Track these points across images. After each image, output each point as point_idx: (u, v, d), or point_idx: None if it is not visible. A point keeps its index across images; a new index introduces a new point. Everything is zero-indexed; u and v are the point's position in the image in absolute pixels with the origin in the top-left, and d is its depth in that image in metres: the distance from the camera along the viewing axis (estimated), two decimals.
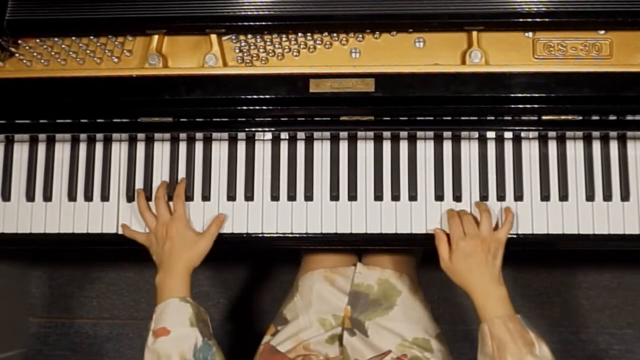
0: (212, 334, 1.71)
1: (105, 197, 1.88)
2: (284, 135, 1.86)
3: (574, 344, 2.67)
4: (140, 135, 1.88)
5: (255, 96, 1.75)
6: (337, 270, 1.97)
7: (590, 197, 1.80)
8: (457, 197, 1.81)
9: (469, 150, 1.84)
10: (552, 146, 1.83)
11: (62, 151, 1.91)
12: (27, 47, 1.81)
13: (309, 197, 1.84)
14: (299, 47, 1.78)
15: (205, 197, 1.86)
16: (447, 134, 1.83)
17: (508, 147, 1.83)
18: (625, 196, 1.80)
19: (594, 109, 1.74)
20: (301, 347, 1.81)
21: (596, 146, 1.83)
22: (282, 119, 1.80)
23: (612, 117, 1.76)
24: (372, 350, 1.79)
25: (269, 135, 1.86)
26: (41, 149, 1.91)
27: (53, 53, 1.81)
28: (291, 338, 1.85)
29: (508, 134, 1.82)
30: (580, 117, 1.75)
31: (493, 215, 1.78)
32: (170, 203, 1.83)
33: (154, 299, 1.72)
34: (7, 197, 1.90)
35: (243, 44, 1.79)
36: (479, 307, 1.65)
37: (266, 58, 1.78)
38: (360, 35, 1.77)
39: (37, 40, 1.82)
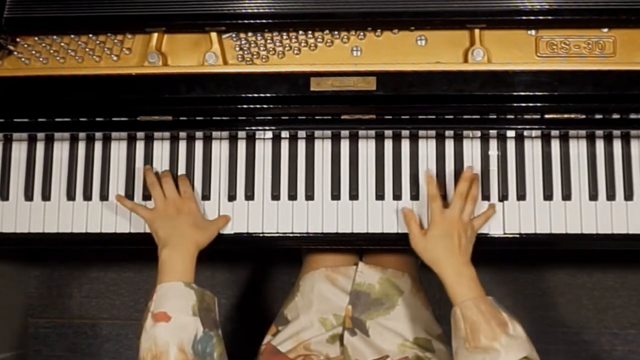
0: (217, 319, 1.69)
1: (104, 196, 1.88)
2: (284, 134, 1.86)
3: (577, 345, 2.67)
4: (140, 134, 1.88)
5: (255, 95, 1.75)
6: (339, 270, 1.97)
7: (593, 196, 1.80)
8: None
9: (472, 149, 1.84)
10: (555, 145, 1.83)
11: (60, 150, 1.91)
12: (25, 45, 1.81)
13: (310, 196, 1.84)
14: (299, 45, 1.78)
15: (205, 196, 1.86)
16: (449, 132, 1.83)
17: (511, 146, 1.83)
18: (628, 195, 1.80)
19: (597, 107, 1.74)
20: (302, 347, 1.81)
21: (599, 145, 1.83)
22: (283, 117, 1.80)
23: (616, 116, 1.75)
24: (373, 350, 1.79)
25: (269, 134, 1.86)
26: (40, 147, 1.91)
27: (52, 51, 1.81)
28: (292, 338, 1.85)
29: (511, 133, 1.82)
30: (584, 116, 1.75)
31: (497, 216, 1.79)
32: None
33: (157, 274, 1.68)
34: (5, 197, 1.90)
35: (243, 42, 1.79)
36: (450, 289, 1.65)
37: (267, 56, 1.78)
38: (362, 33, 1.77)
39: (36, 38, 1.81)
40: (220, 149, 1.88)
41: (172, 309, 1.60)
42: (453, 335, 1.62)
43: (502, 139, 1.83)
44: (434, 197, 1.76)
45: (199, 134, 1.87)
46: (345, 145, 1.86)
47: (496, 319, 1.57)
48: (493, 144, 1.84)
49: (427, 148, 1.84)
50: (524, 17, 1.71)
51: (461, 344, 1.57)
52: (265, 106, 1.77)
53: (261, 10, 1.73)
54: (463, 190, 1.76)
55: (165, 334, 1.57)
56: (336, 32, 1.77)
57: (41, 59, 1.81)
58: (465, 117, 1.77)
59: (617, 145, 1.82)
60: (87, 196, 1.88)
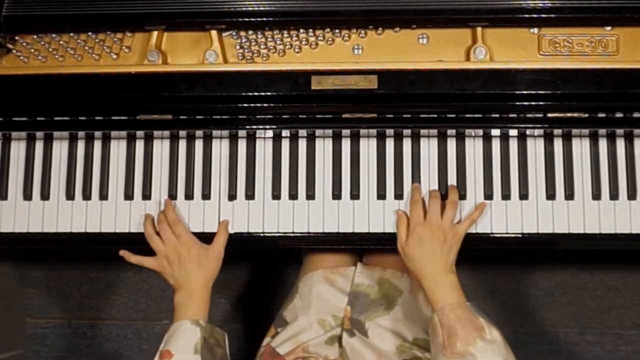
0: (226, 355, 1.71)
1: (103, 196, 1.88)
2: (285, 133, 1.86)
3: (580, 345, 2.67)
4: (139, 133, 1.88)
5: (256, 93, 1.75)
6: (337, 271, 1.97)
7: (596, 195, 1.80)
8: (461, 196, 1.81)
9: (474, 148, 1.84)
10: (558, 144, 1.83)
11: (59, 149, 1.91)
12: (24, 44, 1.81)
13: (310, 195, 1.84)
14: (300, 43, 1.78)
15: (206, 195, 1.86)
16: (451, 131, 1.83)
17: (513, 145, 1.83)
18: (632, 195, 1.80)
19: (601, 106, 1.74)
20: (300, 349, 1.81)
21: (602, 144, 1.83)
22: (284, 116, 1.80)
23: (619, 115, 1.75)
24: (372, 351, 1.79)
25: (270, 133, 1.86)
26: (39, 147, 1.91)
27: (50, 49, 1.81)
28: (290, 340, 1.85)
29: (513, 132, 1.82)
30: (587, 115, 1.75)
31: (499, 216, 1.78)
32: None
33: (172, 318, 1.73)
34: (4, 196, 1.90)
35: (244, 40, 1.79)
36: (430, 295, 1.65)
37: (267, 54, 1.78)
38: (363, 32, 1.77)
39: (35, 37, 1.82)
40: (220, 148, 1.88)
41: (175, 347, 1.63)
42: (432, 342, 1.63)
43: (504, 138, 1.83)
44: (415, 202, 1.77)
45: (199, 132, 1.87)
46: (346, 144, 1.86)
47: (472, 324, 1.57)
48: (495, 143, 1.83)
49: (428, 147, 1.84)
50: (526, 15, 1.71)
51: (439, 351, 1.57)
52: (265, 105, 1.77)
53: (262, 8, 1.73)
54: (436, 193, 1.78)
55: None
56: (337, 31, 1.77)
57: (40, 58, 1.81)
58: (467, 116, 1.77)
59: (620, 144, 1.82)
60: (87, 196, 1.88)
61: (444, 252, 1.69)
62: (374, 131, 1.83)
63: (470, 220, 1.76)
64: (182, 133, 1.87)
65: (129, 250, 1.82)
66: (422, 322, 1.88)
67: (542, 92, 1.71)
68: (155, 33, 1.79)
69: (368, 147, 1.85)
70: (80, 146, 1.90)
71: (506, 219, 1.80)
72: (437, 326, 1.59)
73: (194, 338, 1.64)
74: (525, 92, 1.71)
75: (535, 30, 1.75)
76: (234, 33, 1.79)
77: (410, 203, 1.77)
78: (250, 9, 1.73)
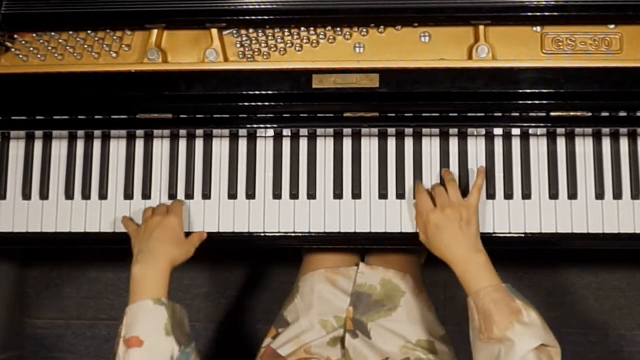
0: (189, 332, 1.64)
1: (103, 195, 1.88)
2: (286, 131, 1.86)
3: (582, 346, 2.67)
4: (139, 132, 1.89)
5: (256, 92, 1.75)
6: (339, 271, 1.97)
7: (599, 195, 1.80)
8: (464, 195, 1.80)
9: (476, 147, 1.84)
10: (561, 143, 1.83)
11: (58, 148, 1.91)
12: (23, 42, 1.81)
13: (311, 195, 1.84)
14: (301, 41, 1.78)
15: (206, 195, 1.86)
16: (453, 130, 1.83)
17: (515, 144, 1.83)
18: (635, 194, 1.80)
19: (604, 104, 1.74)
20: (302, 350, 1.81)
21: (606, 143, 1.83)
22: (284, 115, 1.80)
23: (622, 113, 1.75)
24: (375, 352, 1.79)
25: (270, 132, 1.86)
26: (37, 146, 1.92)
27: (50, 48, 1.81)
28: (292, 341, 1.85)
29: (515, 131, 1.82)
30: (590, 113, 1.75)
31: (502, 215, 1.79)
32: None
33: (129, 293, 1.62)
34: (2, 195, 1.90)
35: (244, 39, 1.79)
36: (462, 280, 1.64)
37: (268, 53, 1.78)
38: (364, 30, 1.78)
39: (34, 35, 1.82)
40: (220, 147, 1.88)
41: (143, 332, 1.54)
42: (470, 326, 1.62)
43: (507, 137, 1.83)
44: (420, 192, 1.77)
45: (199, 131, 1.87)
46: (347, 143, 1.86)
47: (509, 307, 1.55)
48: (498, 142, 1.84)
49: (430, 146, 1.84)
50: (529, 13, 1.71)
51: (476, 335, 1.57)
52: (266, 103, 1.77)
53: (262, 6, 1.73)
54: (435, 184, 1.78)
55: (139, 359, 1.54)
56: (338, 29, 1.78)
57: (39, 56, 1.81)
58: (469, 114, 1.77)
59: (624, 143, 1.82)
60: (86, 195, 1.88)
61: (463, 229, 1.68)
62: (375, 130, 1.83)
63: (477, 189, 1.75)
64: (182, 132, 1.87)
65: (128, 250, 1.81)
66: (425, 323, 1.88)
67: (545, 90, 1.71)
68: (155, 31, 1.79)
69: (369, 146, 1.85)
70: (80, 145, 1.91)
71: (509, 218, 1.81)
72: (473, 310, 1.59)
73: (162, 319, 1.56)
74: (527, 90, 1.71)
75: (538, 28, 1.75)
76: (234, 31, 1.79)
77: (416, 193, 1.78)
78: (251, 6, 1.73)
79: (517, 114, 1.76)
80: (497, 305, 1.56)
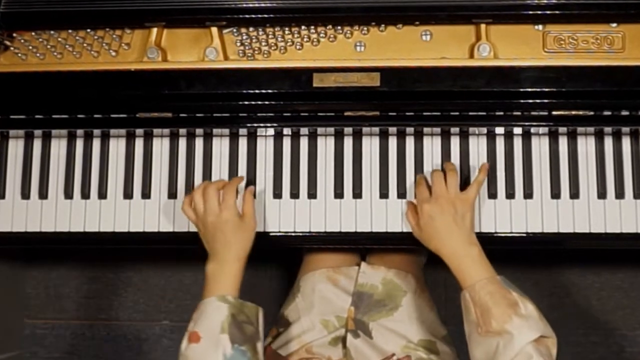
0: (258, 332, 1.64)
1: (102, 194, 1.88)
2: (286, 131, 1.86)
3: (584, 346, 2.67)
4: (139, 131, 1.89)
5: (257, 91, 1.75)
6: (340, 270, 1.97)
7: (602, 194, 1.80)
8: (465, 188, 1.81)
9: (477, 146, 1.84)
10: (563, 142, 1.83)
11: (58, 147, 1.91)
12: (22, 41, 1.81)
13: (312, 194, 1.84)
14: (302, 40, 1.78)
15: None
16: (454, 129, 1.83)
17: (517, 143, 1.83)
18: (638, 194, 1.80)
19: (606, 104, 1.74)
20: (303, 350, 1.81)
21: (608, 142, 1.83)
22: (285, 114, 1.80)
23: (625, 112, 1.75)
24: (377, 352, 1.79)
25: (271, 131, 1.86)
26: (37, 145, 1.91)
27: (49, 46, 1.81)
28: (293, 341, 1.85)
29: (517, 130, 1.82)
30: (592, 113, 1.75)
31: (503, 215, 1.78)
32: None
33: (202, 290, 1.67)
34: (1, 195, 1.91)
35: (244, 37, 1.79)
36: (456, 273, 1.64)
37: (268, 51, 1.78)
38: (365, 28, 1.78)
39: (33, 34, 1.82)
40: (221, 146, 1.88)
41: (203, 329, 1.58)
42: (465, 320, 1.61)
43: (508, 136, 1.83)
44: (419, 184, 1.76)
45: (199, 131, 1.87)
46: (348, 142, 1.86)
47: (506, 300, 1.56)
48: (499, 141, 1.83)
49: (432, 145, 1.84)
50: (531, 12, 1.71)
51: (473, 329, 1.57)
52: (266, 102, 1.77)
53: (263, 5, 1.73)
54: (438, 169, 1.77)
55: (195, 356, 1.56)
56: (339, 27, 1.78)
57: (38, 55, 1.81)
58: (471, 113, 1.77)
59: (626, 142, 1.82)
60: (85, 194, 1.88)
61: (458, 222, 1.67)
62: (376, 129, 1.83)
63: (477, 184, 1.75)
64: (182, 131, 1.87)
65: (128, 249, 1.81)
66: (427, 323, 1.88)
67: (547, 89, 1.71)
68: (154, 30, 1.79)
69: (370, 145, 1.85)
70: (79, 144, 1.91)
71: (510, 218, 1.81)
72: (470, 303, 1.58)
73: (221, 316, 1.58)
74: (529, 89, 1.71)
75: (540, 27, 1.75)
76: (234, 30, 1.79)
77: (416, 185, 1.77)
78: (251, 5, 1.73)
79: (519, 113, 1.76)
80: (494, 298, 1.56)
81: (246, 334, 1.60)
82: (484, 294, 1.57)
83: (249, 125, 1.83)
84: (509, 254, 2.65)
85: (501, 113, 1.77)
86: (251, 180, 1.86)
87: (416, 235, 1.75)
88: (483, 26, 1.74)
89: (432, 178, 1.74)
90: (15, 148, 1.92)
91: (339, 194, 1.84)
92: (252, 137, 1.87)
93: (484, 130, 1.82)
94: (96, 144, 1.90)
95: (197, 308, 1.64)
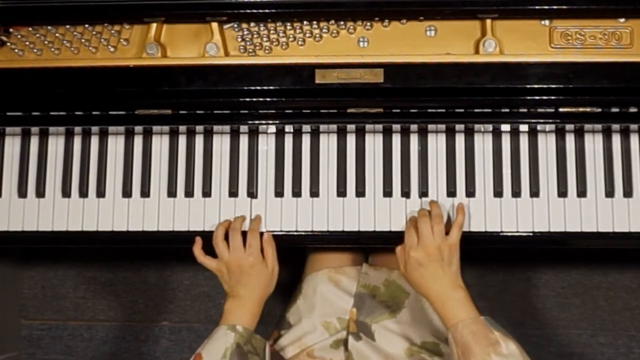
0: None
1: (101, 193, 1.88)
2: (288, 128, 1.86)
3: (592, 347, 2.67)
4: (138, 128, 1.89)
5: (258, 87, 1.76)
6: (342, 271, 1.97)
7: (609, 193, 1.80)
8: (470, 193, 1.81)
9: (483, 144, 1.84)
10: (570, 140, 1.83)
11: (55, 145, 1.91)
12: (19, 36, 1.82)
13: (314, 193, 1.84)
14: (304, 35, 1.78)
15: (206, 193, 1.86)
16: (459, 127, 1.83)
17: (523, 140, 1.83)
18: None
19: (614, 100, 1.74)
20: (304, 353, 1.82)
21: (616, 140, 1.83)
22: (287, 111, 1.80)
23: (633, 109, 1.76)
24: (379, 354, 1.79)
25: (272, 128, 1.86)
26: (34, 142, 1.92)
27: (46, 42, 1.81)
28: (294, 343, 1.86)
29: (523, 127, 1.82)
30: (600, 109, 1.75)
31: (510, 214, 1.79)
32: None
33: (219, 321, 1.72)
34: None
35: (245, 33, 1.79)
36: (440, 314, 1.65)
37: (270, 47, 1.79)
38: (369, 24, 1.78)
39: (30, 29, 1.82)
40: (221, 143, 1.88)
41: (207, 352, 1.64)
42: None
43: (514, 134, 1.83)
44: (408, 229, 1.74)
45: (199, 128, 1.87)
46: (351, 140, 1.86)
47: (486, 339, 1.56)
48: (505, 139, 1.84)
49: (436, 143, 1.84)
50: (537, 7, 1.71)
51: None
52: (268, 99, 1.77)
53: (264, 0, 1.73)
54: (424, 212, 1.76)
55: None
56: (342, 23, 1.78)
57: (35, 50, 1.81)
58: (476, 110, 1.77)
59: (635, 139, 1.82)
60: (83, 193, 1.89)
61: (444, 268, 1.68)
62: (380, 126, 1.84)
63: (457, 227, 1.74)
64: (182, 128, 1.88)
65: (127, 249, 1.81)
66: (430, 324, 1.88)
67: (554, 86, 1.71)
68: (154, 25, 1.79)
69: (374, 143, 1.86)
70: (77, 142, 1.91)
71: (516, 217, 1.81)
72: (452, 344, 1.59)
73: (226, 343, 1.64)
74: (536, 86, 1.72)
75: (547, 22, 1.75)
76: (235, 25, 1.79)
77: (406, 228, 1.75)
78: (252, 0, 1.73)
79: (525, 110, 1.77)
80: (475, 337, 1.56)
81: None
82: (466, 333, 1.57)
83: (250, 122, 1.83)
84: (515, 254, 2.66)
85: (507, 110, 1.77)
86: (253, 178, 1.86)
87: (402, 275, 1.75)
88: (489, 21, 1.74)
89: (418, 221, 1.73)
90: (12, 146, 1.92)
91: (341, 192, 1.84)
92: (253, 135, 1.87)
93: (490, 127, 1.83)
94: (94, 141, 1.90)
95: (212, 331, 1.70)
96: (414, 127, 1.84)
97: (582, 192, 1.80)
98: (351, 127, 1.85)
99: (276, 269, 1.79)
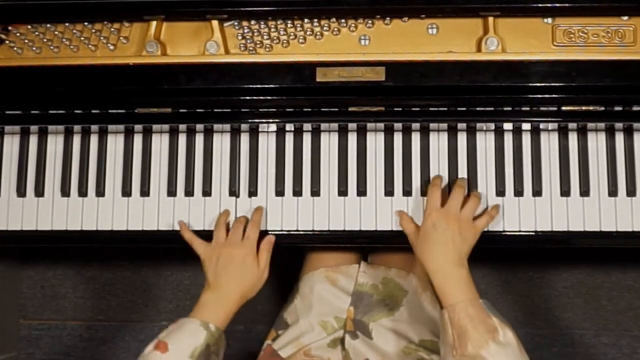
0: None
1: (100, 192, 1.88)
2: (289, 127, 1.86)
3: (595, 348, 2.67)
4: (138, 127, 1.89)
5: (259, 86, 1.76)
6: (340, 270, 1.97)
7: (613, 192, 1.80)
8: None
9: (485, 142, 1.84)
10: (573, 138, 1.83)
11: (55, 144, 1.91)
12: (18, 34, 1.82)
13: (315, 192, 1.84)
14: (305, 34, 1.78)
15: (207, 192, 1.86)
16: (462, 125, 1.83)
17: (526, 139, 1.83)
18: None
19: (617, 99, 1.74)
20: (302, 353, 1.82)
21: (619, 139, 1.83)
22: (288, 110, 1.80)
23: (637, 108, 1.76)
24: (377, 353, 1.80)
25: (273, 127, 1.86)
26: (33, 141, 1.92)
27: (45, 40, 1.81)
28: (292, 343, 1.86)
29: (526, 126, 1.82)
30: (603, 108, 1.75)
31: (512, 213, 1.79)
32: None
33: (192, 309, 1.70)
34: None
35: (246, 31, 1.79)
36: (438, 290, 1.63)
37: (271, 45, 1.79)
38: (370, 22, 1.78)
39: (29, 27, 1.82)
40: (222, 142, 1.88)
41: (174, 344, 1.60)
42: (441, 341, 1.61)
43: (517, 133, 1.83)
44: (435, 186, 1.75)
45: (199, 127, 1.87)
46: (353, 139, 1.86)
47: (485, 325, 1.55)
48: (508, 138, 1.84)
49: (438, 142, 1.84)
50: (540, 5, 1.71)
51: (449, 352, 1.56)
52: (269, 98, 1.77)
53: None
54: (463, 184, 1.76)
55: None
56: (343, 21, 1.78)
57: (34, 49, 1.81)
58: (478, 109, 1.77)
59: (638, 138, 1.82)
60: (83, 192, 1.89)
61: (456, 243, 1.66)
62: (381, 125, 1.84)
63: (489, 217, 1.75)
64: (182, 127, 1.88)
65: (126, 249, 1.82)
66: (428, 323, 1.88)
67: (557, 84, 1.71)
68: (154, 23, 1.80)
69: (375, 141, 1.86)
70: (77, 141, 1.91)
71: (519, 216, 1.81)
72: (448, 324, 1.57)
73: (197, 342, 1.61)
74: (539, 84, 1.72)
75: (550, 20, 1.75)
76: (236, 23, 1.79)
77: (430, 187, 1.76)
78: None
79: (527, 109, 1.77)
80: (473, 322, 1.55)
81: None
82: (464, 316, 1.56)
83: (250, 121, 1.83)
84: (518, 254, 2.66)
85: (510, 109, 1.77)
86: (254, 178, 1.86)
87: (411, 236, 1.74)
88: (491, 19, 1.74)
89: (453, 191, 1.74)
90: (11, 145, 1.92)
91: (343, 191, 1.84)
92: (254, 134, 1.87)
93: (492, 126, 1.83)
94: (94, 140, 1.90)
95: (176, 321, 1.67)
96: (416, 126, 1.84)
97: (585, 192, 1.80)
98: (353, 126, 1.85)
99: (266, 273, 1.78)
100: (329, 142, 1.86)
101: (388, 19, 1.77)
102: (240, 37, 1.79)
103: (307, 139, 1.87)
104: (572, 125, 1.81)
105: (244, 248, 1.75)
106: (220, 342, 1.67)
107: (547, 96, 1.73)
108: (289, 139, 1.87)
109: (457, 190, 1.73)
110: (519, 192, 1.81)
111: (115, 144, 1.90)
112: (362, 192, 1.84)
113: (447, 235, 1.66)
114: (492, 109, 1.77)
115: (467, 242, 1.69)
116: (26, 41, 1.81)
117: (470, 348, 1.52)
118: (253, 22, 1.79)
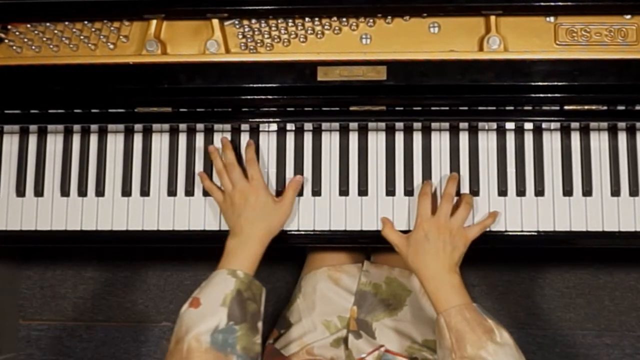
0: (258, 311, 1.65)
1: (100, 192, 1.88)
2: (290, 126, 1.86)
3: (598, 348, 2.67)
4: (138, 127, 1.89)
5: (259, 85, 1.75)
6: (342, 269, 1.97)
7: (615, 192, 1.80)
8: (475, 192, 1.81)
9: (487, 142, 1.84)
10: (575, 138, 1.83)
11: (54, 143, 1.91)
12: (17, 33, 1.82)
13: (316, 192, 1.84)
14: (306, 32, 1.78)
15: (207, 192, 1.86)
16: (463, 125, 1.83)
17: (528, 138, 1.83)
18: None
19: (620, 98, 1.74)
20: (304, 351, 1.82)
21: (622, 138, 1.83)
22: (288, 109, 1.80)
23: (639, 107, 1.75)
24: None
25: (274, 127, 1.86)
26: (32, 141, 1.92)
27: (45, 39, 1.81)
28: (294, 342, 1.86)
29: (528, 125, 1.82)
30: (605, 107, 1.75)
31: (514, 213, 1.79)
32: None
33: (218, 262, 1.71)
34: None
35: (246, 30, 1.79)
36: (432, 296, 1.64)
37: (271, 44, 1.79)
38: (371, 20, 1.78)
39: (28, 26, 1.82)
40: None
41: (205, 296, 1.61)
42: (438, 345, 1.61)
43: (519, 132, 1.83)
44: (424, 195, 1.75)
45: (199, 126, 1.87)
46: (354, 138, 1.86)
47: (482, 327, 1.56)
48: (510, 137, 1.83)
49: (440, 141, 1.84)
50: (542, 3, 1.71)
51: (447, 355, 1.56)
52: (269, 97, 1.77)
53: None
54: (451, 191, 1.76)
55: (189, 320, 1.58)
56: (344, 19, 1.78)
57: (33, 47, 1.81)
58: (480, 108, 1.77)
59: None
60: (82, 192, 1.89)
61: (447, 251, 1.67)
62: (382, 124, 1.84)
63: (482, 226, 1.75)
64: (182, 126, 1.88)
65: (126, 249, 1.81)
66: (432, 322, 1.88)
67: (559, 83, 1.71)
68: (154, 22, 1.79)
69: (376, 141, 1.86)
70: (76, 140, 1.91)
71: (521, 216, 1.81)
72: (444, 329, 1.58)
73: (226, 289, 1.60)
74: (541, 83, 1.71)
75: (552, 18, 1.75)
76: (236, 22, 1.79)
77: (419, 195, 1.76)
78: None
79: (529, 108, 1.77)
80: (470, 324, 1.56)
81: (248, 312, 1.61)
82: (460, 319, 1.57)
83: (251, 120, 1.83)
84: (520, 254, 2.66)
85: (511, 108, 1.77)
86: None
87: (399, 246, 1.74)
88: (493, 18, 1.74)
89: (442, 200, 1.74)
90: (10, 144, 1.92)
91: (344, 191, 1.84)
92: (255, 133, 1.87)
93: (494, 125, 1.83)
94: (93, 139, 1.90)
95: (208, 277, 1.67)
96: (417, 125, 1.84)
97: (587, 191, 1.80)
98: (354, 125, 1.84)
99: (290, 208, 1.79)
100: (330, 142, 1.86)
101: (389, 17, 1.77)
102: (240, 36, 1.79)
103: (307, 138, 1.87)
104: (575, 125, 1.81)
105: (254, 189, 1.75)
106: (253, 288, 1.65)
107: (549, 95, 1.73)
108: (290, 138, 1.87)
109: (446, 198, 1.74)
110: (520, 192, 1.81)
111: (115, 143, 1.90)
112: (363, 191, 1.84)
113: (438, 245, 1.67)
114: (494, 108, 1.77)
115: (458, 250, 1.69)
116: (25, 40, 1.81)
117: (469, 349, 1.53)
118: (253, 21, 1.78)
